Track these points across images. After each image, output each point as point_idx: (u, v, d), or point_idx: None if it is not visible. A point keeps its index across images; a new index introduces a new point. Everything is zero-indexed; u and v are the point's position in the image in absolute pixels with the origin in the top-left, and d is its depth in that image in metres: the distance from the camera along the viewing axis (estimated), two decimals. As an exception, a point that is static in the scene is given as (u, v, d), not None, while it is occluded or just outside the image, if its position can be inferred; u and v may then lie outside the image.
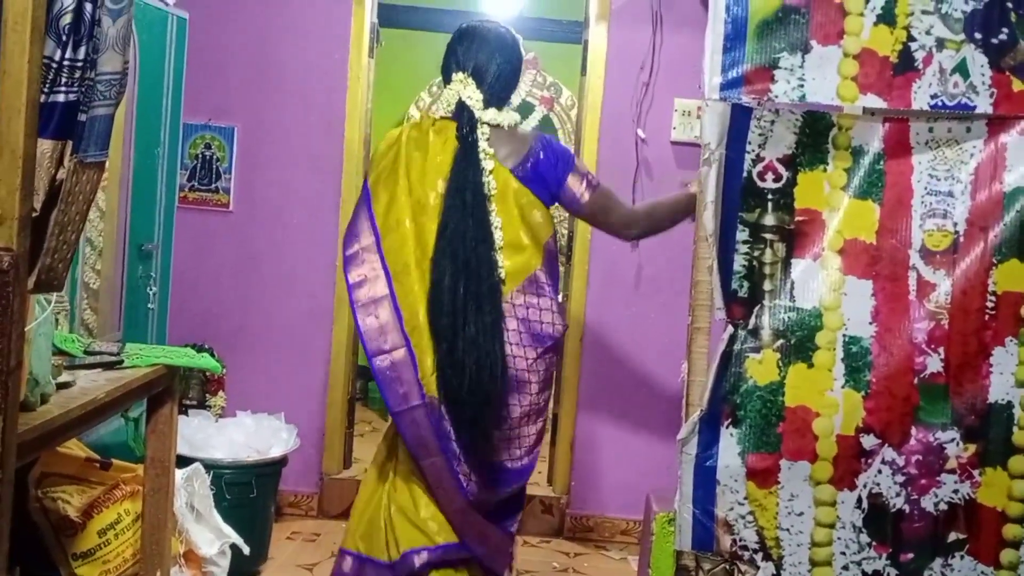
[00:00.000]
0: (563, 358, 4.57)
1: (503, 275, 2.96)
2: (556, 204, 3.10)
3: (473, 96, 3.03)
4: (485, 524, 3.03)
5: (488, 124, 3.01)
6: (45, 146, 2.19)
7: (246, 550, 3.51)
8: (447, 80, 3.12)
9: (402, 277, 2.97)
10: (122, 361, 2.85)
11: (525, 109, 6.25)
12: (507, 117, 3.06)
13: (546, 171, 3.04)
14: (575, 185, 3.06)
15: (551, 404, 3.30)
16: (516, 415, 2.97)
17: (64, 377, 2.56)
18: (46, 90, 2.18)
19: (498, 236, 2.97)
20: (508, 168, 3.00)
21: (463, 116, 3.02)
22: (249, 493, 3.78)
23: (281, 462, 3.96)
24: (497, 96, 3.09)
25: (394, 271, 2.98)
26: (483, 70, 3.06)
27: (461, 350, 2.85)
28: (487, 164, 2.98)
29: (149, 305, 4.02)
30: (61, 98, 2.21)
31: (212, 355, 3.96)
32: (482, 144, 2.99)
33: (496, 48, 3.10)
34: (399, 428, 2.94)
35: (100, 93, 2.29)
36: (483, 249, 2.93)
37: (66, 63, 2.19)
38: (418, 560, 2.98)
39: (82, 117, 2.26)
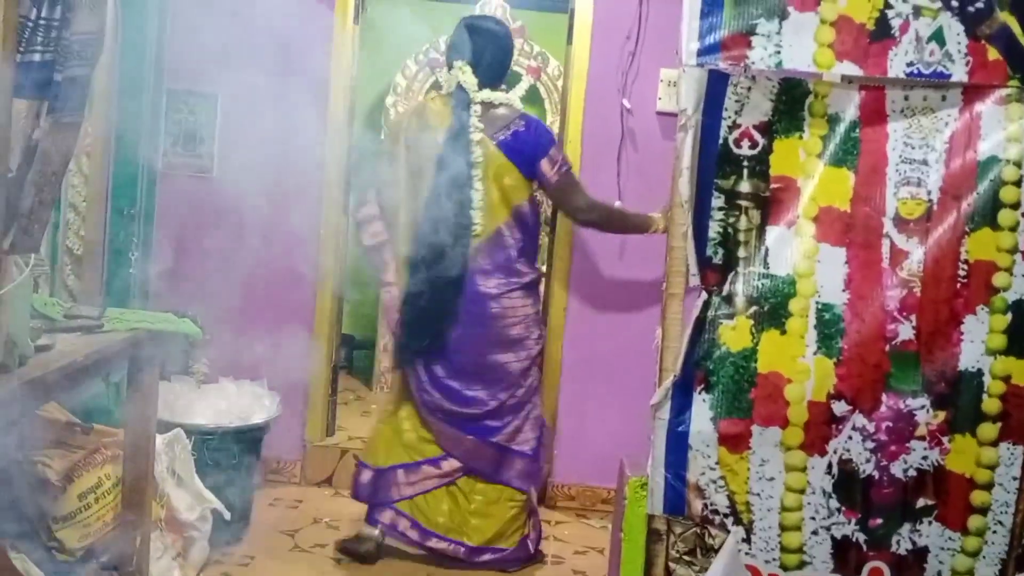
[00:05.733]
0: (546, 328, 4.58)
1: (478, 229, 3.67)
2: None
3: (469, 81, 3.70)
4: (451, 429, 3.81)
5: (481, 103, 3.70)
6: (20, 106, 2.18)
7: (227, 516, 3.52)
8: (450, 67, 3.79)
9: (394, 225, 3.75)
10: (102, 325, 2.85)
11: (512, 79, 6.22)
12: (498, 96, 3.76)
13: (524, 144, 3.72)
14: (547, 168, 3.73)
15: (533, 357, 3.90)
16: (479, 343, 3.74)
17: (43, 340, 2.56)
18: (22, 49, 2.17)
19: (477, 197, 3.66)
20: (490, 136, 3.68)
21: (460, 96, 3.71)
22: (231, 459, 3.79)
23: (263, 428, 3.97)
24: (490, 80, 3.75)
25: (390, 217, 3.75)
26: (478, 59, 3.73)
27: (425, 284, 3.64)
28: (475, 136, 3.67)
29: (131, 270, 4.02)
30: (37, 57, 2.20)
31: (194, 322, 3.96)
32: (472, 120, 3.68)
33: (489, 40, 3.77)
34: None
35: (76, 53, 2.28)
36: (462, 207, 3.63)
37: (42, 22, 2.19)
38: (402, 474, 3.85)
39: (58, 77, 2.25)
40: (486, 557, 3.86)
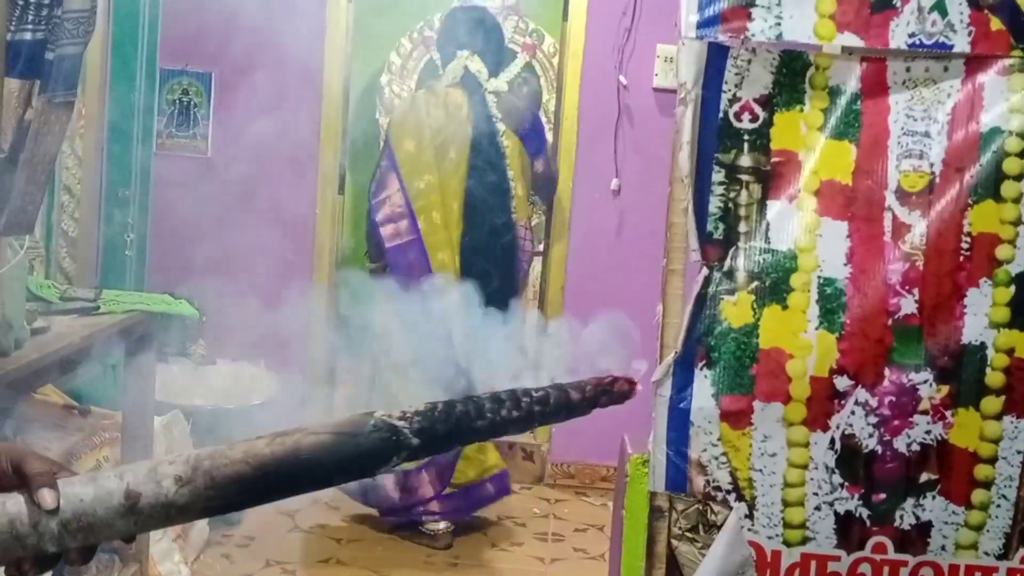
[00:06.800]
0: (545, 306, 4.57)
1: (515, 218, 3.68)
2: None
3: (481, 70, 3.72)
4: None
5: (494, 93, 3.74)
6: (12, 85, 2.16)
7: (226, 496, 3.51)
8: (450, 57, 3.77)
9: (424, 218, 3.66)
10: (98, 307, 2.84)
11: (507, 57, 6.19)
12: (502, 84, 3.92)
13: (534, 133, 3.83)
14: (539, 162, 3.87)
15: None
16: None
17: (39, 323, 2.55)
18: (12, 28, 2.15)
19: (513, 187, 3.70)
20: (512, 128, 3.73)
21: (473, 86, 3.69)
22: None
23: (260, 410, 3.96)
24: (494, 69, 3.82)
25: (419, 212, 3.66)
26: (482, 47, 3.75)
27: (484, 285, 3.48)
28: (500, 126, 3.71)
29: (127, 252, 4.00)
30: (28, 36, 2.18)
31: (191, 303, 3.94)
32: (493, 111, 3.69)
33: (486, 28, 3.78)
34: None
35: (68, 31, 2.25)
36: (503, 201, 3.65)
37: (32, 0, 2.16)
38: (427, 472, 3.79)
39: (49, 56, 2.23)
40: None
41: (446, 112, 3.70)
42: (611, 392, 1.09)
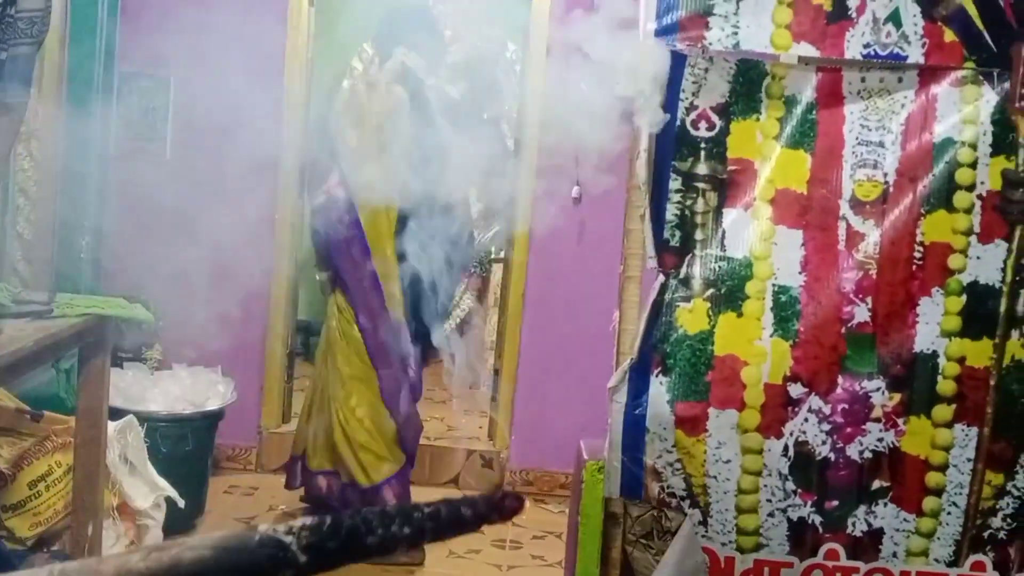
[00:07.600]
0: (505, 313, 4.57)
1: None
2: None
3: (419, 65, 3.77)
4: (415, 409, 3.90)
5: (431, 87, 3.78)
6: (-38, 85, 2.14)
7: (181, 503, 3.48)
8: (388, 52, 3.81)
9: (365, 213, 3.71)
10: (52, 311, 2.79)
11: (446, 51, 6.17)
12: (442, 81, 3.91)
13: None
14: None
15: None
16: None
17: (-10, 325, 2.51)
18: (-37, 27, 2.12)
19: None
20: (448, 123, 3.64)
21: (412, 81, 3.75)
22: (184, 446, 3.75)
23: (217, 415, 3.93)
24: (432, 65, 3.86)
25: (361, 206, 3.71)
26: (420, 43, 3.81)
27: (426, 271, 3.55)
28: (438, 119, 3.65)
29: (82, 255, 3.95)
30: (-21, 36, 2.15)
31: (146, 307, 3.90)
32: (433, 104, 3.69)
33: (427, 26, 3.88)
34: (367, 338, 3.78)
35: (20, 31, 2.23)
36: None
37: (-16, -1, 2.14)
38: (388, 489, 3.83)
39: (2, 55, 2.21)
40: None
41: (386, 105, 3.74)
42: (501, 508, 1.09)
